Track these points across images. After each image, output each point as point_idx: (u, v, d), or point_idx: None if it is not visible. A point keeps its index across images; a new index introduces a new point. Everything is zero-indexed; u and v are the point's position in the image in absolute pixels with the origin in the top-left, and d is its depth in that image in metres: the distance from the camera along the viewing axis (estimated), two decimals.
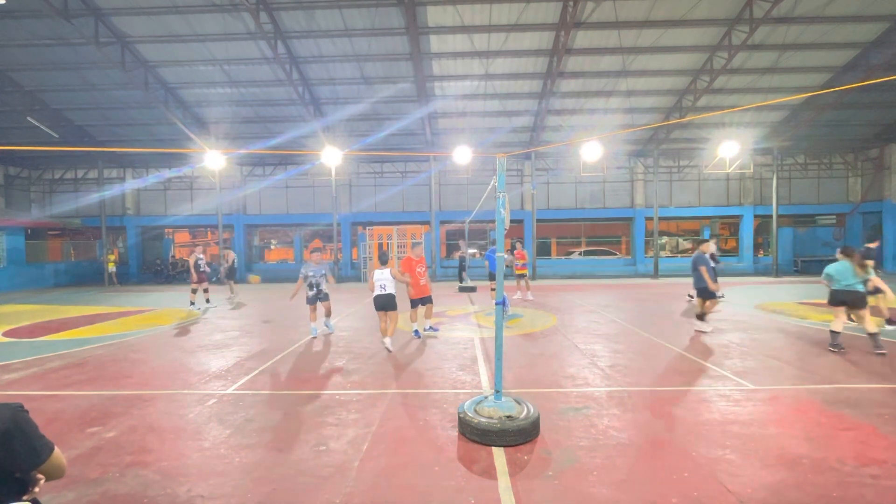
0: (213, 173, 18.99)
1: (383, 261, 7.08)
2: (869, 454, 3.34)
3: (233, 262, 13.71)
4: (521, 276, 12.31)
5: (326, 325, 8.19)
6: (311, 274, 7.74)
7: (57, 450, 1.46)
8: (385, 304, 6.89)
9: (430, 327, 8.06)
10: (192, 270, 11.27)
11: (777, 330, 7.91)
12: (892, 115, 18.14)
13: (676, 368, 5.65)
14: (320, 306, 7.89)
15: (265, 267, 23.74)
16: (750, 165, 19.46)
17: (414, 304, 7.60)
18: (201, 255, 11.50)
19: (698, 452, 3.41)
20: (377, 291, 6.91)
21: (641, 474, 3.13)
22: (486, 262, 12.40)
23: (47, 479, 1.44)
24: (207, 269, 11.60)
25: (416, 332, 7.64)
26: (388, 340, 6.89)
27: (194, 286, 11.40)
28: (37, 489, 1.40)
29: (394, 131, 18.38)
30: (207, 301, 11.65)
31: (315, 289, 7.77)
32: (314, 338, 7.73)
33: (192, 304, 11.36)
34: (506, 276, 3.97)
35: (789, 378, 5.20)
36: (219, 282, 19.43)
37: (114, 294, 15.79)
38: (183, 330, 8.79)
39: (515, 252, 12.12)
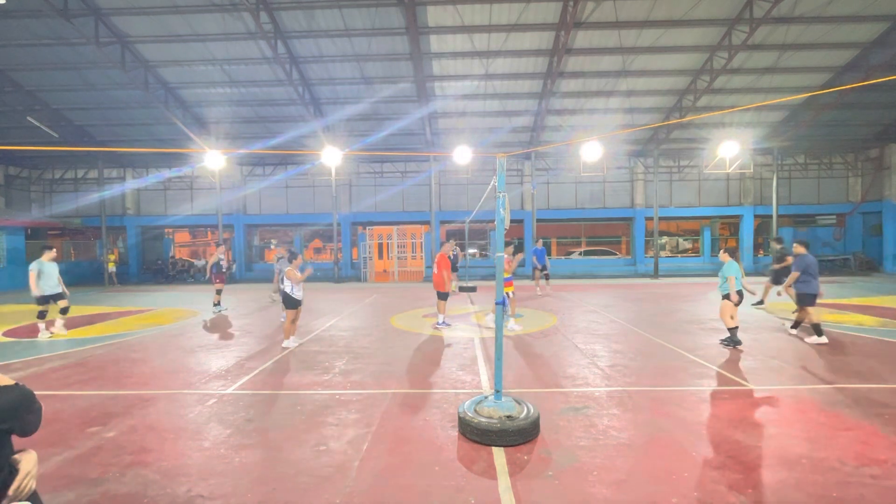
0: (213, 173, 18.99)
1: (290, 260, 7.26)
2: (869, 454, 3.34)
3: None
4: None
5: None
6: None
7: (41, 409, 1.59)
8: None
9: (441, 322, 8.55)
10: (209, 271, 10.73)
11: (777, 330, 7.91)
12: (892, 115, 18.14)
13: (676, 368, 5.65)
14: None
15: (265, 267, 23.73)
16: (750, 165, 19.44)
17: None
18: (223, 256, 10.96)
19: (698, 452, 3.41)
20: (301, 294, 7.08)
21: (641, 474, 3.13)
22: (535, 258, 13.65)
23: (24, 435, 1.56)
24: (225, 272, 10.96)
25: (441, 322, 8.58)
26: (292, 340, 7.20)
27: (218, 286, 10.72)
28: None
29: (394, 131, 18.37)
30: (218, 303, 10.90)
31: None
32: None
33: (217, 304, 10.68)
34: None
35: (789, 378, 5.20)
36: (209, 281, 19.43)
37: (114, 294, 15.79)
38: (183, 330, 8.79)
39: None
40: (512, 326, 8.10)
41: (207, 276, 10.79)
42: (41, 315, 7.95)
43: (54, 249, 8.23)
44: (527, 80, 15.94)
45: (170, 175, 21.41)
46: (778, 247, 10.18)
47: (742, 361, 5.90)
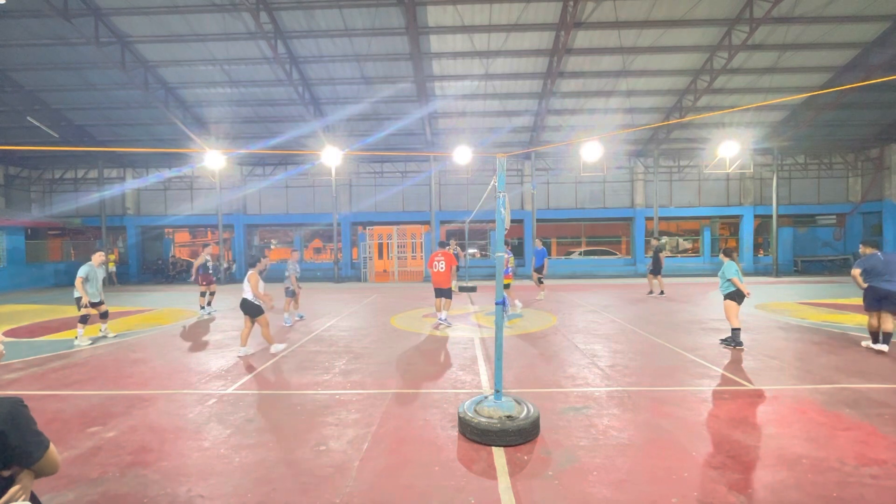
0: (213, 173, 18.98)
1: (252, 264, 6.71)
2: (869, 454, 3.34)
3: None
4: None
5: (297, 316, 9.54)
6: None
7: (52, 447, 1.42)
8: (244, 309, 6.52)
9: (444, 318, 8.62)
10: (194, 272, 10.59)
11: (777, 330, 7.91)
12: (892, 115, 18.14)
13: (676, 368, 5.65)
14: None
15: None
16: (750, 165, 19.45)
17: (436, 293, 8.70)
18: (209, 257, 10.92)
19: (698, 452, 3.41)
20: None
21: (641, 474, 3.12)
22: (534, 259, 12.66)
23: (39, 476, 1.40)
24: (212, 272, 10.89)
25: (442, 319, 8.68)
26: (274, 347, 6.72)
27: (203, 289, 10.60)
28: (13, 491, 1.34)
29: (394, 131, 18.39)
30: (209, 304, 10.76)
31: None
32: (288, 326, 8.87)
33: (203, 308, 10.54)
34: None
35: (789, 378, 5.20)
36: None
37: (114, 294, 15.78)
38: (183, 330, 8.79)
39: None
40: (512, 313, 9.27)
41: (193, 277, 10.68)
42: (83, 320, 7.50)
43: (102, 252, 7.85)
44: (527, 80, 15.94)
45: (170, 175, 21.41)
46: (655, 243, 12.43)
47: (742, 361, 5.90)
